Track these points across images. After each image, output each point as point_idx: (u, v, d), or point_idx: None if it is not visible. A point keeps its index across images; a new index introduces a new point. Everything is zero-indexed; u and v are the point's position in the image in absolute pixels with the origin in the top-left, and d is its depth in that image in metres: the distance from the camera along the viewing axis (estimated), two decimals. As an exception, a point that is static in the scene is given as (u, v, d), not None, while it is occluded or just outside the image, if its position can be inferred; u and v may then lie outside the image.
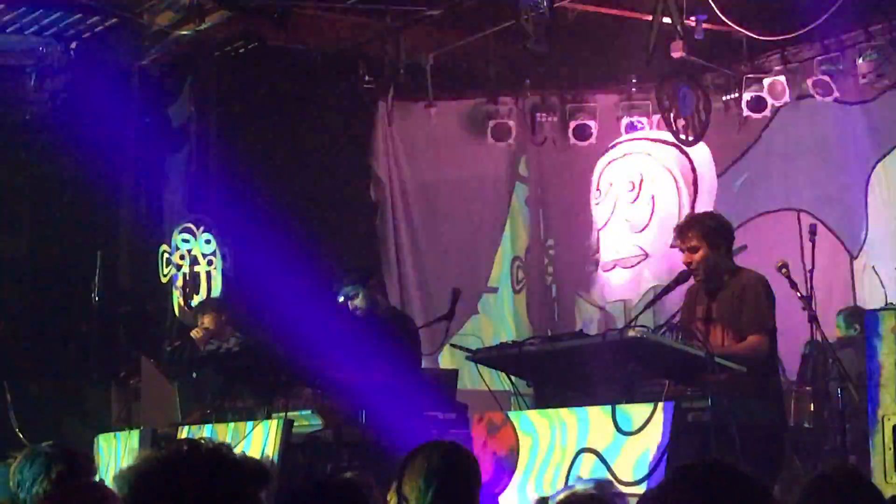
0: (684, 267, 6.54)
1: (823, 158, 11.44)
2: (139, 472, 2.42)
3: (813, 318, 7.85)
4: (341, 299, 7.75)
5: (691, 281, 6.54)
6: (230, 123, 11.22)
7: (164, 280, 10.83)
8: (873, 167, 11.13)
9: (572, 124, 12.45)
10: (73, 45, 11.07)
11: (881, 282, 10.58)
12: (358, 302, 7.71)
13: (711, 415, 5.56)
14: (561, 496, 3.79)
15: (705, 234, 6.32)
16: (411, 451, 4.28)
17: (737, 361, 5.89)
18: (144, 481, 2.41)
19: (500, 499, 6.03)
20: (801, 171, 11.56)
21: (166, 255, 10.76)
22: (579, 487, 4.11)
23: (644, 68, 11.28)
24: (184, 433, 7.82)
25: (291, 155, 11.44)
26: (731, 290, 6.31)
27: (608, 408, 5.73)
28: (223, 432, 7.34)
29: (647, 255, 12.30)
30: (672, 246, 6.72)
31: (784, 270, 7.55)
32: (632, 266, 12.40)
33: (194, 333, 9.18)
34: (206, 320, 9.23)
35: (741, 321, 6.21)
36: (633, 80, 12.27)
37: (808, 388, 8.88)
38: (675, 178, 12.41)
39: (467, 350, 6.95)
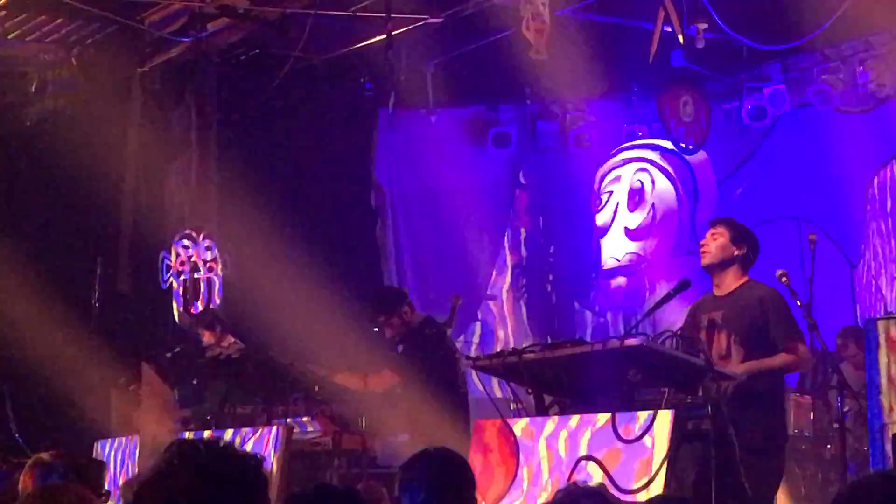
0: (684, 276, 6.56)
1: (824, 167, 11.44)
2: (142, 479, 2.42)
3: (813, 327, 7.85)
4: (375, 329, 7.79)
5: (691, 291, 6.54)
6: (231, 130, 11.22)
7: (164, 286, 10.82)
8: (873, 176, 11.14)
9: (573, 132, 12.46)
10: (75, 51, 11.08)
11: (881, 291, 10.58)
12: (395, 330, 7.75)
13: (711, 423, 5.56)
14: (562, 493, 3.79)
15: (733, 230, 6.49)
16: (407, 463, 4.35)
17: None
18: (148, 487, 2.41)
19: (500, 506, 6.03)
20: (801, 179, 11.56)
21: (166, 262, 10.76)
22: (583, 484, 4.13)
23: (645, 76, 11.29)
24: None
25: (292, 162, 11.45)
26: (742, 300, 6.30)
27: (608, 415, 5.73)
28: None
29: (647, 263, 12.30)
30: (673, 256, 6.77)
31: (784, 279, 7.56)
32: (632, 273, 12.40)
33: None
34: (206, 336, 9.26)
35: (771, 335, 6.21)
36: (634, 88, 12.27)
37: (807, 396, 8.88)
38: (675, 185, 12.42)
39: (467, 357, 6.96)
